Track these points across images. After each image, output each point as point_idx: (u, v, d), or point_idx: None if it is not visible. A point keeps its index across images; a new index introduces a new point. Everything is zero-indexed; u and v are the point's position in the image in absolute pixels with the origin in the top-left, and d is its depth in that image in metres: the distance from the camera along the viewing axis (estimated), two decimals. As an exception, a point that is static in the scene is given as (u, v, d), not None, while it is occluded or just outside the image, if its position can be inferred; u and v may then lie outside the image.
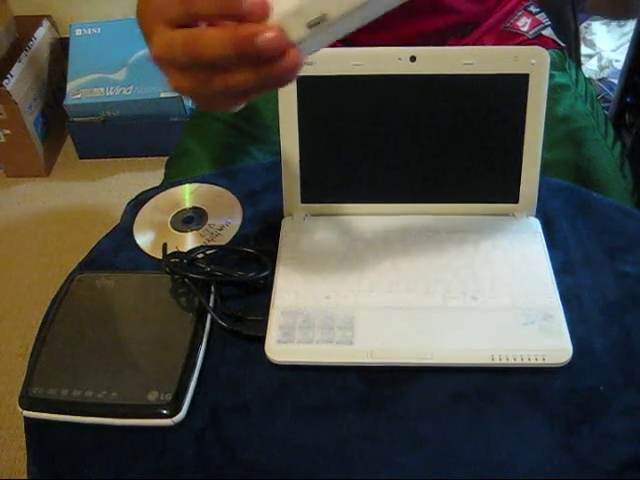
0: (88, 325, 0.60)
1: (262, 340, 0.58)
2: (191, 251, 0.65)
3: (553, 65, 0.88)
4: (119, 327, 0.61)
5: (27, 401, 0.55)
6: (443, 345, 0.57)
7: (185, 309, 0.61)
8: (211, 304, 0.62)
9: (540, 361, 0.56)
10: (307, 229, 0.68)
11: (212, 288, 0.63)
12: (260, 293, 0.63)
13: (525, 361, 0.56)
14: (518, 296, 0.60)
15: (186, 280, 0.62)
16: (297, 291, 0.62)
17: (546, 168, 0.64)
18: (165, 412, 0.54)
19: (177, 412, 0.54)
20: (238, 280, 0.64)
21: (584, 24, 1.91)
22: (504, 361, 0.56)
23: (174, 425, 0.54)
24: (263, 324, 0.59)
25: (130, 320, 0.61)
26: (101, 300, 0.63)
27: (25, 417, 0.56)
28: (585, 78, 0.92)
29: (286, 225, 0.68)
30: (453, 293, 0.61)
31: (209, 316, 0.61)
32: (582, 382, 0.56)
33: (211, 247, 0.67)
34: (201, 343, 0.59)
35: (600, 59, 1.85)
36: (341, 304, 0.60)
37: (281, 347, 0.58)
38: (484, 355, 0.56)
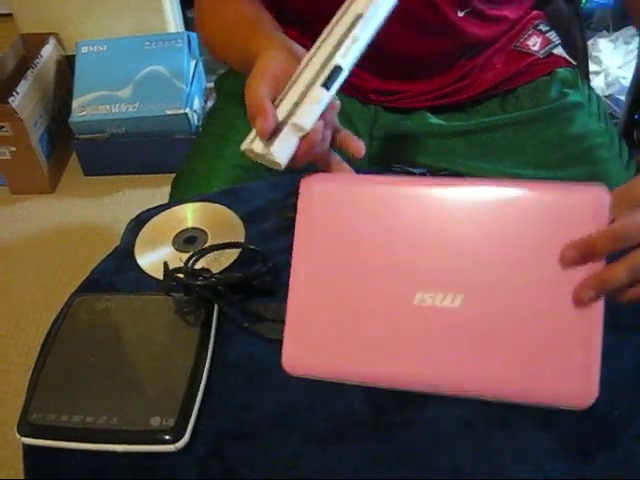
0: (88, 349, 0.59)
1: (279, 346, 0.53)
2: (187, 260, 0.64)
3: (566, 83, 0.87)
4: (120, 350, 0.60)
5: (26, 428, 0.54)
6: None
7: (188, 332, 0.60)
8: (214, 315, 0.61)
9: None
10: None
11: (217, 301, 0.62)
12: (271, 296, 0.63)
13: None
14: None
15: (196, 288, 0.62)
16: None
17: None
18: (168, 438, 0.52)
19: (180, 438, 0.53)
20: (244, 279, 0.64)
21: (590, 41, 1.90)
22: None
23: (177, 451, 0.53)
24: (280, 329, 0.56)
25: (131, 343, 0.60)
26: (102, 323, 0.62)
27: (24, 444, 0.55)
28: (597, 96, 0.90)
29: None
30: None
31: (212, 339, 0.60)
32: (596, 407, 0.55)
33: (205, 249, 0.67)
34: (204, 367, 0.57)
35: (607, 76, 1.84)
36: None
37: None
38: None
